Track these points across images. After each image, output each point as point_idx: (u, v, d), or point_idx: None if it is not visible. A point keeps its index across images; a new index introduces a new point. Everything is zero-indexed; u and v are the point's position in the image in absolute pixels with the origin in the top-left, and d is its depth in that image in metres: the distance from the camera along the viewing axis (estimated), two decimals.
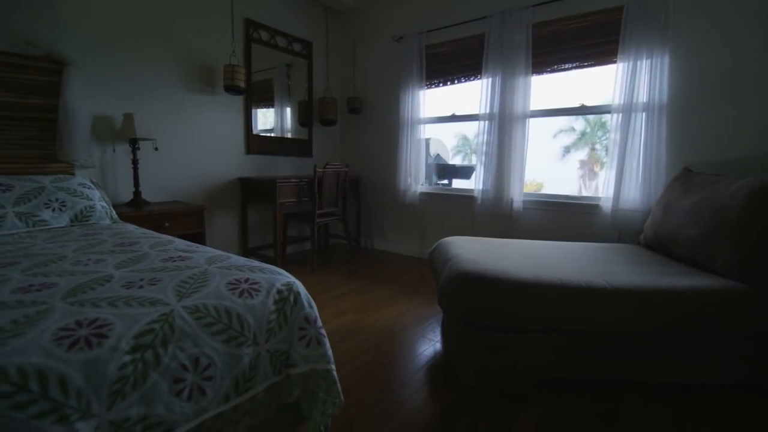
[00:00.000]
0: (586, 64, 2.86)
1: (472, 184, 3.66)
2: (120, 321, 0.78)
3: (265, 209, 3.65)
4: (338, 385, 1.05)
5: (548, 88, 3.16)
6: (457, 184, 4.13)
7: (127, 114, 2.56)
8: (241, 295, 0.98)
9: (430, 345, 2.12)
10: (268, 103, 3.74)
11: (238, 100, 3.40)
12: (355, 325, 2.31)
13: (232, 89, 3.11)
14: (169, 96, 2.93)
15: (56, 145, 2.35)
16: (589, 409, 1.53)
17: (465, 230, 3.45)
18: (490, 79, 3.16)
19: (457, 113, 3.71)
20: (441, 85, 3.62)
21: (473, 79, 3.41)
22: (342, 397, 1.05)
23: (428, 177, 3.96)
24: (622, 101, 2.59)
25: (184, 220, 2.65)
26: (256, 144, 3.58)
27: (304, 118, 4.03)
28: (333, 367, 1.06)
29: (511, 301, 1.58)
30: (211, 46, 3.14)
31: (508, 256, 2.00)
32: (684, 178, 2.20)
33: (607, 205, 2.71)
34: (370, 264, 3.66)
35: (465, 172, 4.14)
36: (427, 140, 3.88)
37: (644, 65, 2.51)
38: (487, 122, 3.19)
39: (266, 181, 3.24)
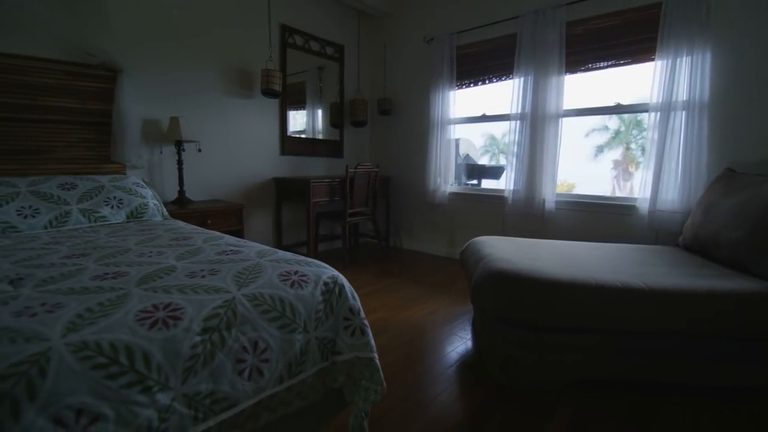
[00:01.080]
0: (622, 62, 2.81)
1: (502, 184, 3.65)
2: (190, 306, 0.86)
3: (298, 208, 3.77)
4: (381, 372, 1.11)
5: (582, 87, 3.12)
6: (486, 184, 4.12)
7: (173, 117, 2.72)
8: (292, 285, 1.05)
9: (461, 342, 2.15)
10: (300, 105, 3.86)
11: (274, 103, 3.53)
12: (385, 322, 2.36)
13: (268, 93, 3.24)
14: (211, 100, 3.09)
15: (110, 147, 2.53)
16: (623, 411, 1.53)
17: (495, 230, 3.45)
18: (521, 79, 3.15)
19: (488, 113, 3.71)
20: (472, 85, 3.63)
21: (504, 79, 3.41)
22: (384, 384, 1.11)
23: (457, 177, 3.97)
24: (660, 100, 2.53)
25: (225, 217, 2.79)
26: (290, 145, 3.70)
27: (335, 120, 4.13)
28: (376, 355, 1.12)
29: (545, 299, 1.59)
30: (249, 52, 3.28)
31: (542, 256, 2.00)
32: (726, 178, 2.14)
33: (643, 206, 2.66)
34: (399, 263, 3.72)
35: (495, 172, 4.13)
36: (457, 140, 3.90)
37: (684, 62, 2.44)
38: (518, 122, 3.18)
39: (300, 181, 3.35)
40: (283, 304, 0.99)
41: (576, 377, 1.66)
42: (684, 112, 2.46)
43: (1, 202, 1.70)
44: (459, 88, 3.69)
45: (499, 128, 4.34)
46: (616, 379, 1.65)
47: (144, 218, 2.04)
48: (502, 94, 3.52)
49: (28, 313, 0.79)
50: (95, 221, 1.87)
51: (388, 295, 2.84)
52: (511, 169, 3.26)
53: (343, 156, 4.21)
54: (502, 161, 4.51)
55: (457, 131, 3.84)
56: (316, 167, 3.98)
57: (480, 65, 3.55)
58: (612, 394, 1.63)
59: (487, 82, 3.54)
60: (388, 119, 4.27)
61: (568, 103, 3.04)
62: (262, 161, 3.51)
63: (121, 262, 1.17)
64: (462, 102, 3.77)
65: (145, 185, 2.29)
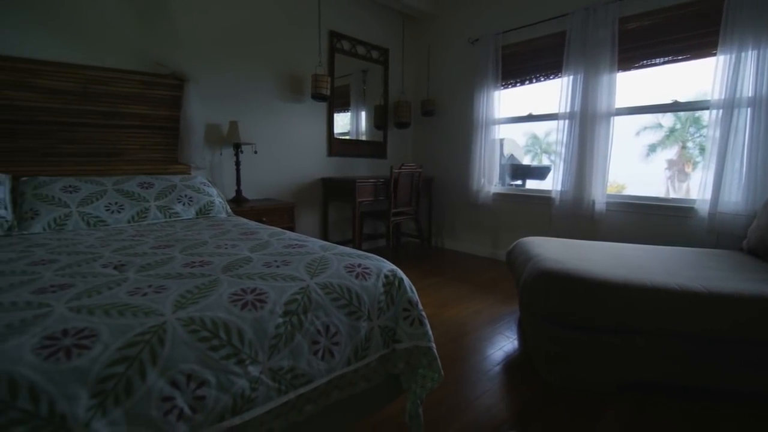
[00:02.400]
0: (680, 57, 2.70)
1: (548, 184, 3.59)
2: (272, 291, 0.97)
3: (344, 207, 3.90)
4: (439, 361, 1.17)
5: (635, 85, 3.02)
6: (531, 184, 4.07)
7: (232, 121, 2.91)
8: (357, 277, 1.14)
9: (507, 342, 2.17)
10: (344, 107, 3.99)
11: (322, 106, 3.67)
12: (431, 320, 2.39)
13: (317, 97, 3.38)
14: (266, 104, 3.28)
15: (177, 149, 2.76)
16: (677, 418, 1.49)
17: (541, 231, 3.40)
18: (571, 77, 3.10)
19: (534, 113, 3.66)
20: (519, 84, 3.61)
21: (552, 78, 3.36)
22: (442, 373, 1.18)
23: (501, 177, 3.95)
24: (723, 96, 2.42)
25: (278, 215, 2.95)
26: (337, 147, 3.84)
27: (379, 121, 4.23)
28: (433, 345, 1.18)
29: (597, 300, 1.59)
30: (300, 58, 3.44)
31: (593, 257, 1.98)
32: None
33: (703, 207, 2.54)
34: (442, 262, 3.75)
35: (540, 172, 4.07)
36: (501, 140, 3.88)
37: (750, 56, 2.32)
38: (567, 121, 3.13)
39: (347, 181, 3.47)
40: (350, 293, 1.08)
41: (628, 380, 1.64)
42: (749, 109, 2.34)
43: (93, 199, 1.92)
44: (504, 88, 3.68)
45: (541, 127, 4.26)
46: (670, 383, 1.61)
47: (211, 215, 2.22)
48: (549, 94, 3.47)
49: (140, 293, 0.92)
50: (170, 217, 2.06)
51: (432, 293, 2.89)
52: (558, 169, 3.21)
53: (387, 157, 4.30)
54: (545, 161, 4.43)
55: (500, 131, 3.82)
56: (360, 168, 4.09)
57: (526, 64, 3.52)
58: (666, 400, 1.60)
59: (534, 81, 3.50)
60: (431, 120, 4.31)
61: (620, 102, 2.95)
62: (311, 162, 3.67)
63: (203, 252, 1.30)
64: (506, 102, 3.75)
65: (210, 184, 2.48)
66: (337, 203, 3.84)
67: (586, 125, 3.02)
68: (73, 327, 0.74)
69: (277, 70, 3.32)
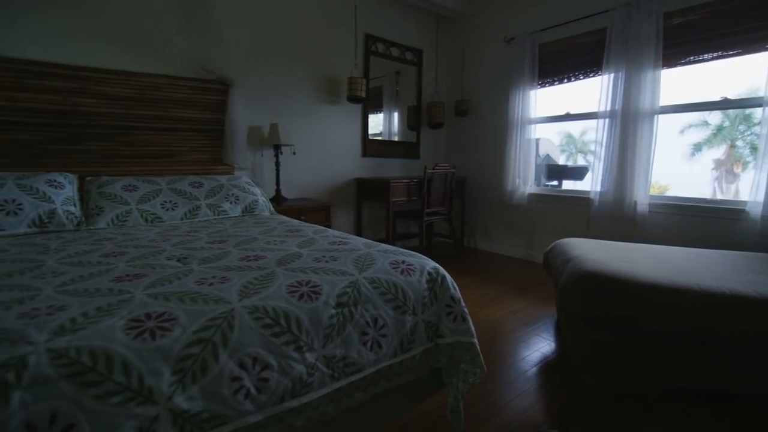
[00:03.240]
0: (730, 53, 2.59)
1: (586, 185, 3.51)
2: (326, 284, 1.03)
3: (376, 207, 3.95)
4: (481, 356, 1.20)
5: (681, 81, 2.91)
6: (568, 185, 3.98)
7: (272, 124, 3.03)
8: (402, 273, 1.18)
9: (545, 344, 2.15)
10: (377, 108, 4.04)
11: (357, 108, 3.75)
12: None
13: (353, 99, 3.46)
14: (304, 107, 3.38)
15: (222, 151, 2.90)
16: (722, 425, 1.44)
17: (578, 233, 3.34)
18: (611, 75, 3.02)
19: (571, 112, 3.59)
20: (557, 83, 3.55)
21: (592, 76, 3.29)
22: (485, 368, 1.20)
23: (537, 177, 3.89)
24: None
25: (316, 214, 3.04)
26: (371, 147, 3.90)
27: (412, 122, 4.26)
28: (476, 341, 1.21)
29: (641, 303, 1.56)
30: (336, 61, 3.52)
31: (635, 259, 1.94)
32: None
33: (755, 210, 2.42)
34: (475, 263, 3.74)
35: (577, 172, 3.98)
36: (537, 140, 3.82)
37: None
38: (607, 120, 3.05)
39: (381, 181, 3.52)
40: (396, 288, 1.12)
41: (672, 385, 1.60)
42: None
43: (150, 197, 2.06)
44: (541, 87, 3.63)
45: (576, 127, 4.15)
46: (715, 389, 1.56)
47: (255, 213, 2.33)
48: (587, 92, 3.39)
49: (206, 282, 1.00)
50: (218, 214, 2.18)
51: (466, 293, 2.89)
52: (597, 169, 3.14)
53: (419, 157, 4.33)
54: (580, 161, 4.31)
55: (536, 131, 3.77)
56: (393, 168, 4.14)
57: (563, 63, 3.46)
58: (712, 407, 1.55)
59: (573, 79, 3.44)
60: (464, 120, 4.31)
61: (664, 99, 2.85)
62: (345, 163, 3.75)
63: (255, 247, 1.38)
64: (542, 101, 3.70)
65: (254, 184, 2.59)
66: (371, 203, 3.90)
67: (628, 124, 2.94)
68: (154, 311, 0.82)
69: (314, 73, 3.42)
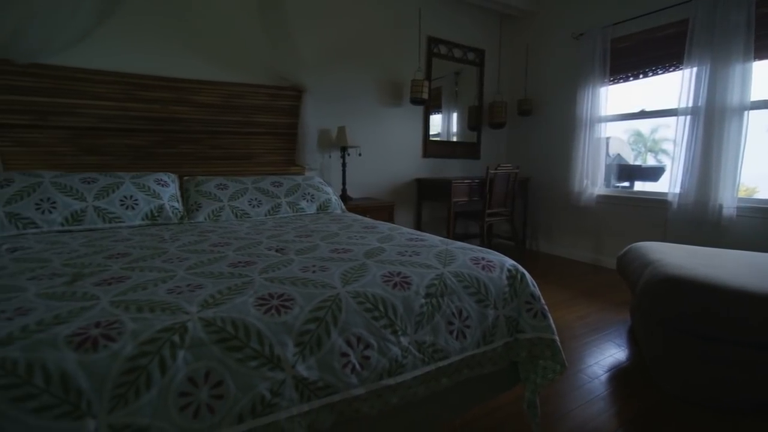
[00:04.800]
0: None
1: (663, 186, 3.32)
2: (415, 275, 1.11)
3: (436, 207, 4.00)
4: (563, 354, 1.22)
5: None
6: (640, 186, 3.76)
7: (340, 127, 3.19)
8: (483, 269, 1.23)
9: (618, 350, 2.09)
10: (436, 109, 4.08)
11: (419, 110, 3.82)
12: None
13: (416, 101, 3.54)
14: (368, 109, 3.52)
15: (295, 153, 3.10)
16: None
17: (652, 237, 3.16)
18: (694, 69, 2.84)
19: (647, 109, 3.41)
20: (630, 78, 3.39)
21: (672, 70, 3.10)
22: (566, 364, 1.22)
23: (606, 178, 3.73)
24: None
25: (380, 213, 3.16)
26: (431, 148, 3.96)
27: (473, 122, 4.25)
28: (557, 337, 1.23)
29: (730, 310, 1.48)
30: (400, 65, 3.63)
31: (722, 265, 1.83)
32: None
33: None
34: (538, 266, 3.66)
35: (652, 173, 3.76)
36: (607, 139, 3.66)
37: None
38: (688, 117, 2.87)
39: (442, 181, 3.57)
40: (478, 283, 1.18)
41: (763, 398, 1.49)
42: None
43: (238, 195, 2.28)
44: (612, 83, 3.48)
45: (646, 124, 3.90)
46: None
47: (329, 210, 2.49)
48: (664, 88, 3.21)
49: (309, 270, 1.12)
50: (296, 211, 2.36)
51: None
52: (676, 170, 2.96)
53: (480, 158, 4.31)
54: (650, 160, 4.04)
55: (606, 129, 3.61)
56: (452, 169, 4.16)
57: (637, 57, 3.30)
58: None
59: (650, 74, 3.26)
60: (528, 120, 4.22)
61: (755, 94, 2.63)
62: (407, 163, 3.84)
63: (341, 242, 1.50)
64: (613, 98, 3.54)
65: (326, 184, 2.75)
66: (430, 203, 3.96)
67: (713, 121, 2.74)
68: (275, 292, 0.95)
69: (378, 76, 3.55)
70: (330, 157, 3.34)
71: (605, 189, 3.62)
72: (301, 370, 0.85)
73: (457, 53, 4.00)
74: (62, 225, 1.78)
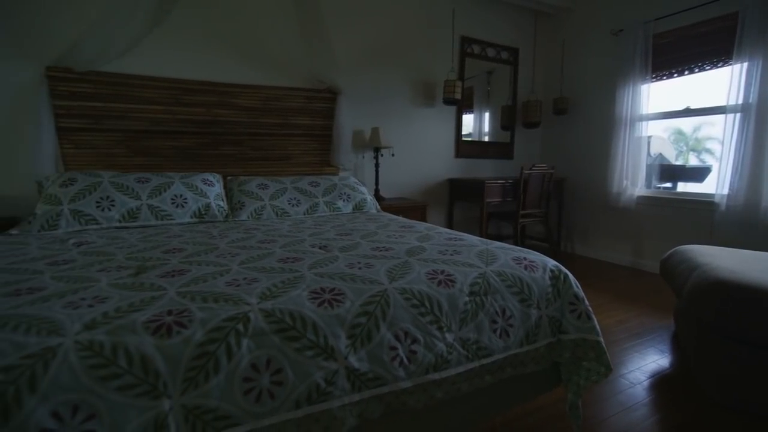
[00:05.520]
0: None
1: (709, 187, 3.18)
2: (458, 274, 1.13)
3: (468, 207, 3.98)
4: (608, 355, 1.20)
5: None
6: (684, 187, 3.61)
7: (374, 128, 3.23)
8: (525, 268, 1.24)
9: (661, 355, 2.03)
10: (468, 109, 4.05)
11: (451, 110, 3.82)
12: None
13: (449, 101, 3.54)
14: (401, 110, 3.55)
15: (329, 153, 3.17)
16: None
17: (697, 240, 3.03)
18: (745, 64, 2.71)
19: (692, 106, 3.27)
20: (675, 75, 3.27)
21: (719, 66, 2.97)
22: (611, 366, 1.20)
23: (647, 179, 3.60)
24: None
25: (412, 213, 3.18)
26: (464, 148, 3.94)
27: (506, 122, 4.20)
28: (602, 339, 1.22)
29: None
30: (433, 65, 3.64)
31: None
32: None
33: None
34: (574, 268, 3.57)
35: (697, 174, 3.60)
36: (649, 138, 3.54)
37: None
38: (738, 115, 2.74)
39: (474, 181, 3.55)
40: (521, 282, 1.18)
41: None
42: None
43: (278, 195, 2.36)
44: (655, 80, 3.36)
45: (688, 123, 3.73)
46: None
47: (364, 210, 2.53)
48: (710, 84, 3.08)
49: (356, 267, 1.16)
50: (333, 210, 2.42)
51: None
52: (724, 170, 2.83)
53: (513, 158, 4.25)
54: (692, 160, 3.86)
55: (647, 128, 3.48)
56: (484, 169, 4.13)
57: (681, 53, 3.18)
58: None
59: (696, 70, 3.13)
60: (563, 119, 4.13)
61: None
62: (439, 163, 3.84)
63: (380, 240, 1.54)
64: (654, 96, 3.42)
65: (361, 184, 2.81)
66: (462, 203, 3.94)
67: (765, 119, 2.61)
68: (326, 286, 0.99)
69: (412, 78, 3.57)
70: (363, 157, 3.39)
71: (646, 190, 3.49)
72: (353, 361, 0.88)
73: (491, 52, 3.97)
74: (119, 222, 1.90)
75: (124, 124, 2.48)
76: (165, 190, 2.06)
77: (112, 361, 0.71)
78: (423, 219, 3.24)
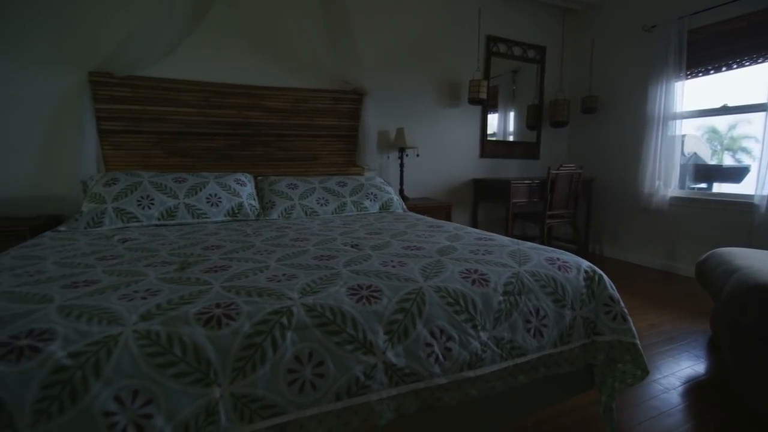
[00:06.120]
0: None
1: (747, 188, 3.05)
2: (492, 273, 1.13)
3: (492, 207, 3.95)
4: (644, 357, 1.19)
5: None
6: (720, 188, 3.48)
7: (399, 128, 3.25)
8: (559, 269, 1.23)
9: (696, 361, 1.97)
10: (492, 109, 4.00)
11: (477, 110, 3.80)
12: None
13: (474, 101, 3.52)
14: (426, 111, 3.56)
15: (355, 154, 3.21)
16: None
17: (735, 242, 2.91)
18: None
19: (729, 104, 3.15)
20: (712, 72, 3.16)
21: (760, 62, 2.85)
22: (648, 369, 1.18)
23: (681, 179, 3.48)
24: None
25: (437, 213, 3.18)
26: (489, 148, 3.92)
27: (532, 121, 4.15)
28: (638, 341, 1.20)
29: None
30: (457, 65, 3.63)
31: None
32: None
33: None
34: (604, 271, 3.46)
35: (734, 174, 3.46)
36: (683, 137, 3.42)
37: None
38: None
39: (500, 182, 3.52)
40: (555, 283, 1.18)
41: None
42: None
43: (307, 194, 2.41)
44: (689, 78, 3.25)
45: (722, 121, 3.59)
46: None
47: (391, 210, 2.56)
48: (748, 81, 2.96)
49: (389, 265, 1.18)
50: (360, 210, 2.46)
51: None
52: (764, 170, 2.71)
53: (539, 158, 4.19)
54: (727, 160, 3.71)
55: (681, 127, 3.37)
56: (509, 169, 4.08)
57: (718, 49, 3.07)
58: None
59: (734, 66, 3.02)
60: (592, 118, 4.05)
61: None
62: (463, 163, 3.82)
63: (410, 239, 1.56)
64: (689, 93, 3.31)
65: (387, 184, 2.83)
66: (487, 203, 3.91)
67: None
68: (363, 283, 1.02)
69: (437, 78, 3.57)
70: (388, 157, 3.42)
71: (680, 190, 3.39)
72: (391, 356, 0.91)
73: (517, 51, 3.93)
74: (158, 219, 1.99)
75: (159, 126, 2.58)
76: (200, 190, 2.14)
77: (168, 350, 0.76)
78: (448, 219, 3.24)
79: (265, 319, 0.84)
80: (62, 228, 1.85)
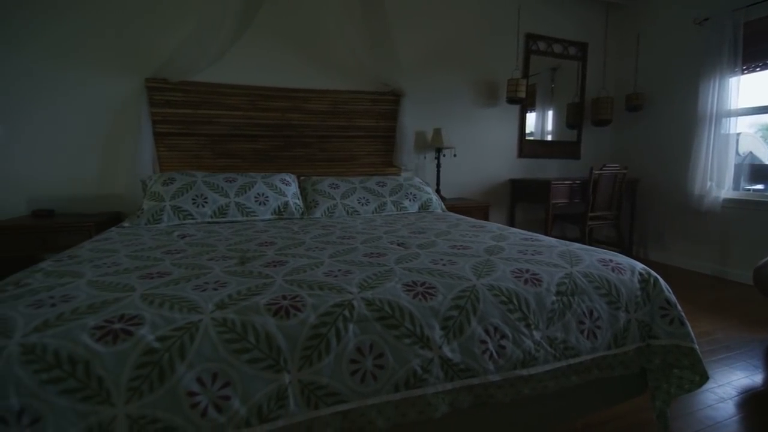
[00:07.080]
0: None
1: None
2: (544, 273, 1.14)
3: (530, 208, 3.88)
4: (703, 363, 1.15)
5: None
6: None
7: (436, 129, 3.26)
8: (613, 270, 1.21)
9: (755, 371, 1.87)
10: (530, 108, 3.92)
11: (515, 109, 3.75)
12: None
13: (513, 100, 3.47)
14: (463, 111, 3.55)
15: (392, 154, 3.24)
16: None
17: None
18: None
19: None
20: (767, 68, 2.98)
21: None
22: (707, 375, 1.15)
23: (736, 180, 3.30)
24: None
25: (475, 213, 3.16)
26: (527, 148, 3.85)
27: (572, 120, 4.04)
28: (697, 346, 1.16)
29: None
30: (495, 64, 3.59)
31: None
32: None
33: None
34: None
35: None
36: (737, 136, 3.24)
37: None
38: None
39: (539, 182, 3.46)
40: (609, 284, 1.17)
41: None
42: None
43: (348, 194, 2.47)
44: (746, 72, 3.08)
45: None
46: None
47: (430, 209, 2.58)
48: None
49: (440, 263, 1.20)
50: (400, 210, 2.49)
51: None
52: None
53: (580, 157, 4.08)
54: None
55: (736, 125, 3.19)
56: (548, 169, 4.00)
57: None
58: None
59: None
60: (637, 116, 3.90)
61: None
62: (500, 163, 3.78)
63: (455, 239, 1.57)
64: (744, 89, 3.13)
65: (426, 184, 2.85)
66: (524, 204, 3.85)
67: None
68: (417, 280, 1.05)
69: (474, 78, 3.55)
70: (425, 158, 3.43)
71: (734, 192, 3.21)
72: (446, 351, 0.93)
73: (557, 49, 3.84)
74: (211, 217, 2.10)
75: (209, 129, 2.72)
76: (249, 189, 2.24)
77: (243, 337, 0.82)
78: (485, 219, 3.21)
79: (329, 311, 0.89)
80: (126, 224, 1.99)
